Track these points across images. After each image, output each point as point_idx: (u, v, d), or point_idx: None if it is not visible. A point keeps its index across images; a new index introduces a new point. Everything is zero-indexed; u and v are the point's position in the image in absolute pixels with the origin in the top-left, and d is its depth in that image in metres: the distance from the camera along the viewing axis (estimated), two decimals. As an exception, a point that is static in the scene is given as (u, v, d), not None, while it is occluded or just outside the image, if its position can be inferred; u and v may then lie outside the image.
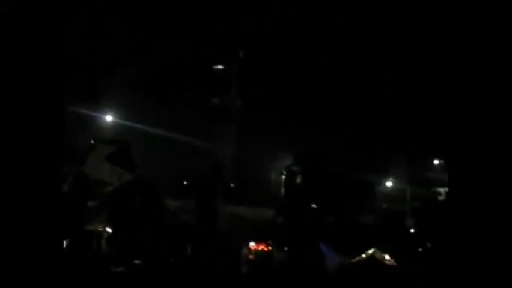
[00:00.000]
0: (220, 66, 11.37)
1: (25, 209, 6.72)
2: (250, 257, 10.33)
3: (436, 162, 17.37)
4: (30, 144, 6.81)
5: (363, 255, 9.83)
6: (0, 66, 6.73)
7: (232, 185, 11.25)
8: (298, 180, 10.75)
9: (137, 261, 9.61)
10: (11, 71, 6.77)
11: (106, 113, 11.83)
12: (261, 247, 10.38)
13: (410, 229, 10.66)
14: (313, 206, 10.62)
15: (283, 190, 10.96)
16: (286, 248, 10.12)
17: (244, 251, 10.42)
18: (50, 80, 6.97)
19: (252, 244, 10.37)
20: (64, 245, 9.38)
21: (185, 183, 11.26)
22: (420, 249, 10.17)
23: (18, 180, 6.71)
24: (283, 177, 11.03)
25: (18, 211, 6.71)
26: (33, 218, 6.80)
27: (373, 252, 9.81)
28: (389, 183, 11.47)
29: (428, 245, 10.04)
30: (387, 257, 9.76)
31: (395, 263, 9.64)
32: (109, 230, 9.73)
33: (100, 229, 9.67)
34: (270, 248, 10.36)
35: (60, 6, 7.04)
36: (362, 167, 11.41)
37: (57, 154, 7.22)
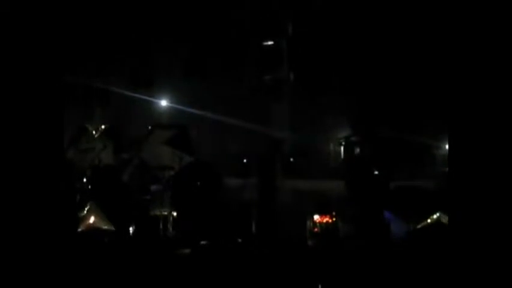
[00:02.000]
0: (270, 42, 11.33)
1: (27, 207, 6.79)
2: (316, 230, 10.34)
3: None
4: (30, 144, 6.87)
5: (429, 220, 9.78)
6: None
7: (291, 159, 11.26)
8: (357, 149, 10.74)
9: (203, 242, 9.70)
10: (11, 71, 6.82)
11: (160, 98, 11.90)
12: (325, 219, 10.38)
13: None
14: (375, 173, 10.58)
15: (343, 160, 10.95)
16: (351, 219, 10.12)
17: (309, 224, 10.43)
18: (49, 80, 7.00)
19: (317, 217, 10.37)
20: (131, 231, 9.56)
21: (244, 161, 11.31)
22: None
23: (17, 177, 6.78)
24: (342, 147, 11.02)
25: (20, 209, 6.78)
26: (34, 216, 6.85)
27: (438, 217, 9.74)
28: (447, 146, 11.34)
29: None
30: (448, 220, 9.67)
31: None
32: (174, 213, 9.86)
33: (165, 213, 9.80)
34: (334, 219, 10.35)
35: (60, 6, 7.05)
36: (420, 130, 11.30)
37: (58, 157, 7.24)
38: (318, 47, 11.32)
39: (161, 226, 9.70)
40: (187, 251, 9.24)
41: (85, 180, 9.70)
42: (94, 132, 10.25)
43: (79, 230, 8.94)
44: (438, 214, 9.66)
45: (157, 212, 9.77)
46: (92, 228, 9.05)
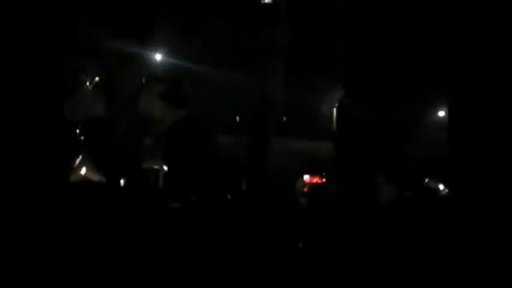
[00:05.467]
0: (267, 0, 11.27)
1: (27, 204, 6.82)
2: (305, 190, 10.41)
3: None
4: (30, 143, 6.88)
5: (418, 186, 9.87)
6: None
7: (284, 118, 11.28)
8: (351, 111, 10.75)
9: (193, 197, 9.75)
10: (11, 71, 6.79)
11: (154, 51, 11.85)
12: (315, 180, 10.44)
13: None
14: (367, 137, 10.61)
15: (335, 122, 10.97)
16: (341, 180, 10.18)
17: (299, 183, 10.50)
18: (49, 81, 6.99)
19: (306, 177, 10.43)
20: (122, 183, 9.59)
21: (237, 118, 11.32)
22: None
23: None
24: (335, 109, 11.04)
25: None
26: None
27: (427, 183, 9.84)
28: (441, 113, 11.37)
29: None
30: (441, 186, 9.77)
31: (447, 192, 9.64)
32: (165, 167, 9.87)
33: (157, 167, 9.81)
34: (324, 180, 10.41)
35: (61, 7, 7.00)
36: (413, 98, 11.32)
37: (60, 157, 7.27)
38: (317, 6, 11.28)
39: (152, 180, 9.72)
40: (176, 205, 9.29)
41: (77, 131, 9.69)
42: (87, 84, 10.21)
43: (71, 180, 8.96)
44: (427, 180, 9.75)
45: (149, 166, 9.78)
46: (84, 179, 9.08)
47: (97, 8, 11.34)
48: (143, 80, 10.73)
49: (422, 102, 11.53)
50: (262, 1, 11.22)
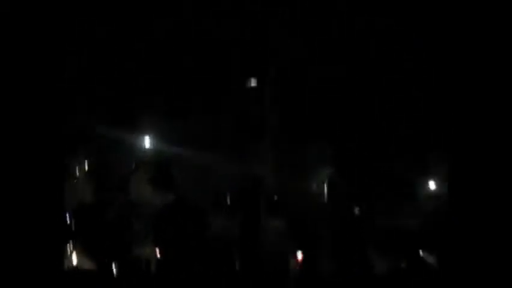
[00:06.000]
0: (253, 82, 11.42)
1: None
2: (298, 267, 10.39)
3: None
4: (29, 147, 6.86)
5: (411, 259, 9.81)
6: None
7: (275, 197, 11.31)
8: (341, 187, 10.79)
9: (186, 280, 9.69)
10: (10, 72, 6.82)
11: (144, 135, 11.92)
12: (308, 256, 10.42)
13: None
14: (357, 211, 10.63)
15: (326, 198, 11.00)
16: (333, 256, 10.15)
17: (292, 261, 10.48)
18: (49, 82, 7.02)
19: (299, 254, 10.43)
20: (114, 271, 9.52)
21: (228, 198, 11.32)
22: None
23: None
24: (325, 185, 11.07)
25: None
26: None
27: (421, 256, 9.78)
28: (431, 183, 11.40)
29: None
30: (433, 260, 9.73)
31: (441, 266, 9.61)
32: (157, 251, 9.84)
33: (148, 252, 9.79)
34: (316, 256, 10.39)
35: (61, 7, 7.07)
36: (402, 167, 11.38)
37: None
38: (301, 88, 11.42)
39: (143, 265, 9.68)
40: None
41: (67, 218, 9.67)
42: (76, 169, 10.25)
43: (63, 270, 8.89)
44: (420, 253, 9.70)
45: (140, 252, 9.75)
46: (75, 269, 9.02)
47: (86, 93, 11.47)
48: (132, 165, 10.80)
49: (412, 173, 11.59)
50: (248, 85, 11.38)
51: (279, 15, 10.91)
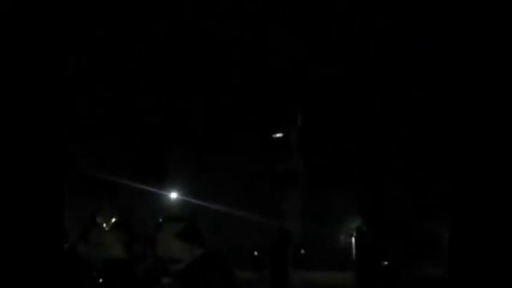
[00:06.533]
0: (279, 134, 11.42)
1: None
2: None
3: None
4: (30, 148, 6.82)
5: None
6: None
7: (302, 251, 11.22)
8: (368, 240, 10.70)
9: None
10: (10, 72, 6.82)
11: (170, 190, 11.93)
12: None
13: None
14: (385, 263, 10.52)
15: (354, 252, 10.91)
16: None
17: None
18: (49, 82, 7.00)
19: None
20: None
21: (255, 253, 11.26)
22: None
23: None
24: (353, 238, 10.99)
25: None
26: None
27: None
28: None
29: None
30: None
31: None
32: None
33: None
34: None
35: (61, 7, 7.09)
36: (427, 215, 11.28)
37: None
38: (328, 137, 11.41)
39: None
40: None
41: (95, 273, 9.63)
42: (104, 225, 10.24)
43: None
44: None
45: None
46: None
47: (111, 147, 11.52)
48: (160, 220, 10.77)
49: (437, 225, 11.49)
50: (274, 135, 11.38)
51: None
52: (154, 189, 11.57)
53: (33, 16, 6.92)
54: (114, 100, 11.56)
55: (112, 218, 10.33)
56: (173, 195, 11.72)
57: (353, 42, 10.95)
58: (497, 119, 7.20)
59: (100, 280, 9.56)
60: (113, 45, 11.20)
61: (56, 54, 7.11)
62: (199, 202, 11.58)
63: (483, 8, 7.30)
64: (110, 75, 11.36)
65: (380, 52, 10.95)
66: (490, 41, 7.28)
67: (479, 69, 7.33)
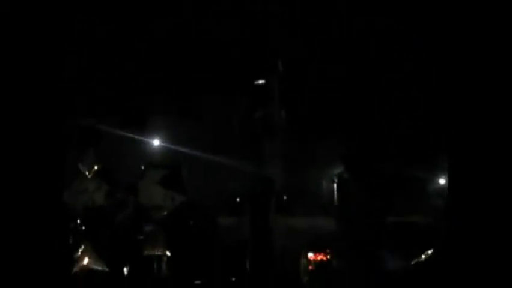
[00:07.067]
0: (260, 81, 11.38)
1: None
2: (310, 267, 10.37)
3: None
4: (29, 146, 6.86)
5: (423, 256, 9.79)
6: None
7: (285, 197, 11.29)
8: (351, 185, 10.75)
9: (197, 282, 9.70)
10: (10, 72, 6.83)
11: (152, 137, 11.92)
12: (319, 257, 10.41)
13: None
14: (369, 210, 10.59)
15: (336, 197, 10.97)
16: (345, 256, 10.13)
17: (303, 261, 10.46)
18: (49, 81, 7.02)
19: (311, 254, 10.41)
20: (125, 271, 9.52)
21: (237, 200, 11.32)
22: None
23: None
24: (335, 184, 11.04)
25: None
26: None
27: (432, 253, 9.76)
28: (442, 180, 11.34)
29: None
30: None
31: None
32: (167, 253, 9.83)
33: (159, 253, 9.78)
34: (328, 257, 10.38)
35: (61, 7, 7.07)
36: (412, 163, 11.35)
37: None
38: (309, 84, 11.40)
39: (155, 266, 9.68)
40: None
41: (78, 221, 9.67)
42: (86, 173, 10.25)
43: (74, 271, 8.91)
44: (432, 250, 9.67)
45: (151, 252, 9.75)
46: (87, 269, 9.03)
47: (93, 93, 11.47)
48: (142, 167, 10.80)
49: (422, 171, 11.55)
50: (255, 82, 11.34)
51: (279, 15, 10.89)
52: (136, 136, 11.56)
53: (33, 16, 6.88)
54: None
55: (94, 165, 10.33)
56: (156, 142, 11.72)
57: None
58: (497, 119, 7.20)
59: (83, 227, 9.61)
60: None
61: (56, 54, 7.08)
62: (182, 149, 11.59)
63: (483, 8, 7.27)
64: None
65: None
66: (490, 41, 7.26)
67: (479, 69, 7.32)
